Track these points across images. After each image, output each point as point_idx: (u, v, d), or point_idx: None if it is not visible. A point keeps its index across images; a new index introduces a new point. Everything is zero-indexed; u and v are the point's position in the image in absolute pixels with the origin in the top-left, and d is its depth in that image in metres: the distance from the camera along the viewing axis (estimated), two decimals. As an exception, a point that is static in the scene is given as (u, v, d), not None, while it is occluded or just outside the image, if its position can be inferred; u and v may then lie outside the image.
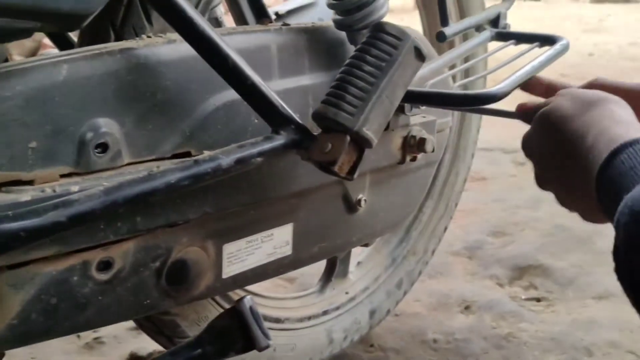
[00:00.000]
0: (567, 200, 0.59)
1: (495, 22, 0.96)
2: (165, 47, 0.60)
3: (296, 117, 0.62)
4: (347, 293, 1.11)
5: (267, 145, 0.61)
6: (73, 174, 0.54)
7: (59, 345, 1.24)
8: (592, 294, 1.34)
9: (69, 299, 0.56)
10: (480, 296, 1.35)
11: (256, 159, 0.59)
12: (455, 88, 0.85)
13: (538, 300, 1.35)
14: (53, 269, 0.54)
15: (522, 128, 0.66)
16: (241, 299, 0.55)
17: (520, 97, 0.72)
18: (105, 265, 0.58)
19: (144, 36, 0.60)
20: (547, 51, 0.80)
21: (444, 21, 0.87)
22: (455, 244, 1.58)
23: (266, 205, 0.73)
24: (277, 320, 0.97)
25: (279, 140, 0.61)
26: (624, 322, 1.22)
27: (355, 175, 0.63)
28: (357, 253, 1.13)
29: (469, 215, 1.71)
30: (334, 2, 0.70)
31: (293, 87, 0.71)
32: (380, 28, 0.62)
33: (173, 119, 0.61)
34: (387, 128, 0.82)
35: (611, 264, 0.44)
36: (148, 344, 1.23)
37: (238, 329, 0.56)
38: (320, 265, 1.05)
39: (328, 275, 1.11)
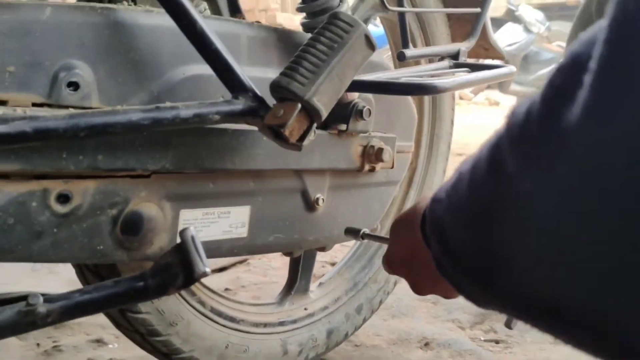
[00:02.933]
0: (424, 287, 0.65)
1: (455, 57, 1.05)
2: (143, 13, 0.67)
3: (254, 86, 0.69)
4: (305, 309, 1.13)
5: (225, 107, 0.67)
6: (45, 104, 0.59)
7: (17, 351, 1.23)
8: (549, 339, 1.35)
9: (25, 223, 0.60)
10: (441, 335, 1.36)
11: (214, 116, 0.65)
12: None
13: (497, 342, 1.36)
14: (14, 190, 0.59)
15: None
16: (184, 229, 0.58)
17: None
18: (64, 199, 0.62)
19: (125, 2, 0.67)
20: (494, 70, 0.88)
21: (405, 44, 0.95)
22: (421, 290, 1.59)
23: (225, 181, 0.77)
24: (232, 320, 0.99)
25: (237, 105, 0.67)
26: (577, 363, 1.23)
27: (305, 144, 0.69)
28: (320, 275, 1.16)
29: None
30: (302, 5, 0.79)
31: (259, 77, 0.78)
32: (335, 15, 0.70)
33: (143, 77, 0.67)
34: (346, 130, 0.88)
35: None
36: (105, 353, 1.22)
37: (180, 263, 0.59)
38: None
39: (288, 289, 1.13)
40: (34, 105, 0.59)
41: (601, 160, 0.32)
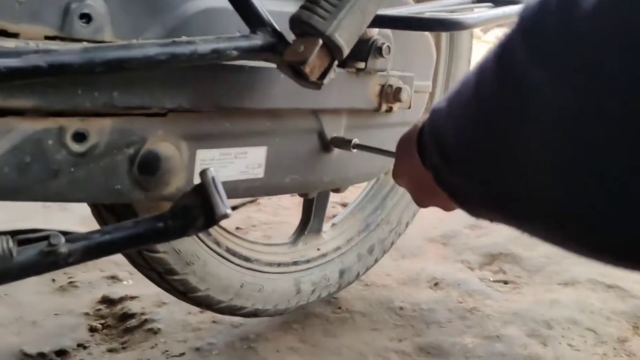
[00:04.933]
0: (424, 199, 0.64)
1: (476, -8, 1.00)
2: (156, -58, 0.63)
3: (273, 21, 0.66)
4: (318, 249, 1.13)
5: (243, 43, 0.64)
6: (57, 37, 0.57)
7: (33, 287, 1.24)
8: (558, 280, 1.36)
9: (42, 161, 0.58)
10: (450, 275, 1.37)
11: (232, 52, 0.62)
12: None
13: (505, 282, 1.37)
14: (30, 127, 0.57)
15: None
16: (205, 170, 0.57)
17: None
18: (80, 137, 0.61)
19: None
20: (519, 5, 0.84)
21: (426, -21, 0.91)
22: (431, 232, 1.60)
23: (242, 120, 0.75)
24: (246, 259, 0.99)
25: (256, 40, 0.64)
26: (586, 304, 1.24)
27: (325, 82, 0.66)
28: (330, 215, 1.15)
29: (447, 209, 1.74)
30: None
31: (278, 10, 0.74)
32: (358, -55, 0.66)
33: (157, 10, 0.64)
34: (364, 69, 0.85)
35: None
36: (120, 289, 1.24)
37: (200, 205, 0.58)
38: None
39: (301, 230, 1.12)
40: (46, 38, 0.56)
41: (623, 42, 0.29)
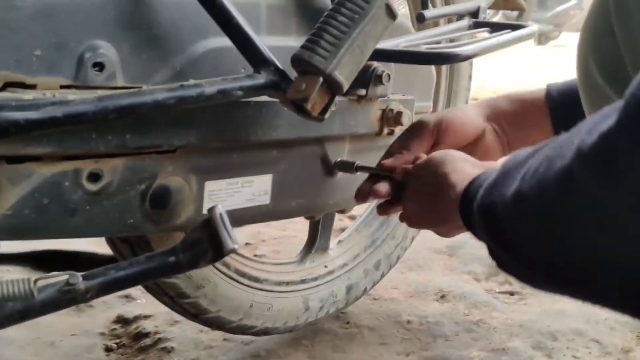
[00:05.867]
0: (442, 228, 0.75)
1: (475, 14, 1.03)
2: (163, -11, 0.66)
3: (275, 60, 0.69)
4: (325, 267, 1.16)
5: (248, 82, 0.67)
6: (72, 86, 0.60)
7: (50, 307, 1.28)
8: (563, 290, 1.38)
9: (59, 202, 0.62)
10: (456, 287, 1.39)
11: (237, 92, 0.66)
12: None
13: (511, 294, 1.39)
14: (48, 171, 0.60)
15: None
16: (213, 207, 0.60)
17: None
18: (95, 177, 0.64)
19: (144, -22, 0.66)
20: (515, 32, 0.86)
21: (425, 5, 0.93)
22: (437, 242, 1.62)
23: (248, 151, 0.79)
24: (256, 280, 1.02)
25: (259, 79, 0.68)
26: (591, 314, 1.26)
27: (326, 117, 0.69)
28: (339, 227, 1.18)
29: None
30: (320, -29, 0.77)
31: (278, 46, 0.78)
32: (355, -15, 0.69)
33: (165, 53, 0.67)
34: (365, 96, 0.88)
35: None
36: (134, 308, 1.27)
37: (209, 239, 0.61)
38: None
39: (308, 249, 1.15)
40: (62, 87, 0.59)
41: None
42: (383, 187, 0.78)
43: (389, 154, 0.82)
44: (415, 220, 0.77)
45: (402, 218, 0.78)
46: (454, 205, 0.64)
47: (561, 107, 0.78)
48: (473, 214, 0.59)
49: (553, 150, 0.46)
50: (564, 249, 0.46)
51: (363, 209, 1.31)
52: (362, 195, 0.81)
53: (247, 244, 1.59)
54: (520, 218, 0.50)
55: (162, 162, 0.69)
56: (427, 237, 1.53)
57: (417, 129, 0.80)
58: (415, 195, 0.73)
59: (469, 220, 0.61)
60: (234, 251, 0.59)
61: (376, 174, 0.82)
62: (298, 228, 1.68)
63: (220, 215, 0.59)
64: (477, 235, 0.60)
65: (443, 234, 0.76)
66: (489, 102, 0.83)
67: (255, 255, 1.47)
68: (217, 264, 0.94)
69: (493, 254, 0.58)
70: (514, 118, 0.80)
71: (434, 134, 0.79)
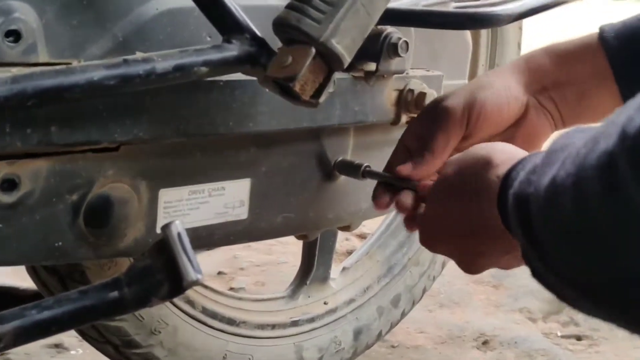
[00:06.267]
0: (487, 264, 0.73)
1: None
2: None
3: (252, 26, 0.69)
4: (325, 303, 1.17)
5: (215, 55, 0.67)
6: (-22, 63, 0.61)
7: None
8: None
9: (-40, 219, 0.62)
10: (504, 331, 1.40)
11: (200, 68, 0.66)
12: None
13: (578, 338, 1.40)
14: (-56, 177, 0.61)
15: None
16: (169, 224, 0.60)
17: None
18: (9, 185, 0.65)
19: None
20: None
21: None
22: (478, 269, 1.62)
23: (217, 149, 0.79)
24: (231, 322, 1.03)
25: (230, 50, 0.68)
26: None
27: (321, 100, 0.70)
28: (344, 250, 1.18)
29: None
30: None
31: (256, 5, 0.78)
32: None
33: (104, 17, 0.68)
34: (375, 72, 0.89)
35: None
36: (66, 362, 1.28)
37: (164, 268, 0.62)
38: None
39: (302, 279, 1.16)
40: (-35, 64, 0.60)
41: None
42: (408, 198, 0.78)
43: (402, 150, 0.82)
44: (439, 239, 0.75)
45: (423, 238, 0.77)
46: (493, 203, 0.63)
47: (628, 58, 0.76)
48: (508, 207, 0.59)
49: (604, 125, 0.46)
50: (605, 265, 0.47)
51: (376, 224, 1.32)
52: (381, 204, 0.81)
53: (219, 273, 1.59)
54: (551, 217, 0.51)
55: (101, 164, 0.70)
56: (463, 263, 1.54)
57: (441, 117, 0.79)
58: (442, 206, 0.73)
59: (506, 217, 0.60)
60: (197, 283, 0.59)
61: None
62: (288, 251, 1.69)
63: (179, 234, 0.60)
64: (516, 237, 0.59)
65: (483, 263, 0.73)
66: (526, 63, 0.81)
67: (230, 289, 1.47)
68: (177, 301, 0.95)
69: (528, 260, 0.57)
70: (566, 84, 0.79)
71: (463, 125, 0.79)
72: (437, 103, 0.81)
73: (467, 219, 0.68)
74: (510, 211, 0.58)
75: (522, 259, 0.58)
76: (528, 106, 0.80)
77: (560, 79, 0.79)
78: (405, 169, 0.79)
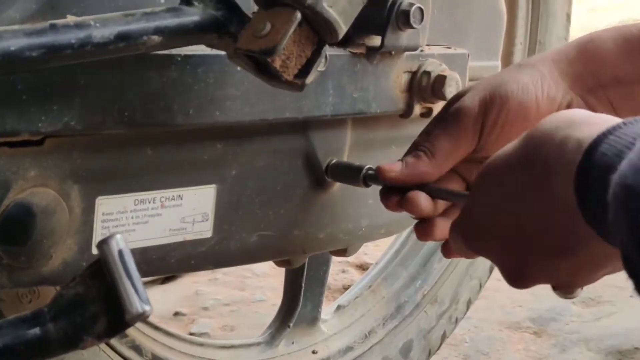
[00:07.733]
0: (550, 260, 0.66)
1: None
2: None
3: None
4: (314, 352, 1.16)
5: (170, 20, 0.67)
6: None
7: None
8: None
9: None
10: (548, 390, 1.40)
11: (151, 37, 0.66)
12: None
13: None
14: None
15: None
16: (106, 238, 0.60)
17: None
18: None
19: None
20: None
21: None
22: (514, 312, 1.63)
23: (173, 144, 0.79)
24: (190, 376, 1.03)
25: (190, 15, 0.68)
26: None
27: (308, 81, 0.70)
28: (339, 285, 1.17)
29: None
30: None
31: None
32: None
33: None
34: (380, 47, 0.89)
35: None
36: None
37: (101, 298, 0.62)
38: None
39: (284, 320, 1.16)
40: None
41: None
42: (423, 198, 0.77)
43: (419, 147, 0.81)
44: (485, 238, 0.70)
45: (455, 239, 0.75)
46: (568, 185, 0.57)
47: None
48: (605, 194, 0.53)
49: None
50: None
51: (382, 249, 1.32)
52: (390, 205, 0.80)
53: (176, 314, 1.59)
54: None
55: (18, 163, 0.70)
56: (495, 303, 1.55)
57: (451, 119, 0.78)
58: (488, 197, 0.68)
59: (591, 205, 0.56)
60: (144, 317, 0.59)
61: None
62: (266, 286, 1.69)
63: (121, 253, 0.59)
64: (607, 235, 0.55)
65: (541, 270, 0.67)
66: (578, 48, 0.79)
67: (190, 334, 1.47)
68: (119, 346, 0.94)
69: (635, 270, 0.53)
70: (635, 82, 0.75)
71: (475, 133, 0.78)
72: (452, 101, 0.81)
73: (520, 205, 0.64)
74: (612, 200, 0.53)
75: (619, 268, 0.56)
76: (572, 106, 0.77)
77: (626, 73, 0.77)
78: (392, 168, 0.79)
